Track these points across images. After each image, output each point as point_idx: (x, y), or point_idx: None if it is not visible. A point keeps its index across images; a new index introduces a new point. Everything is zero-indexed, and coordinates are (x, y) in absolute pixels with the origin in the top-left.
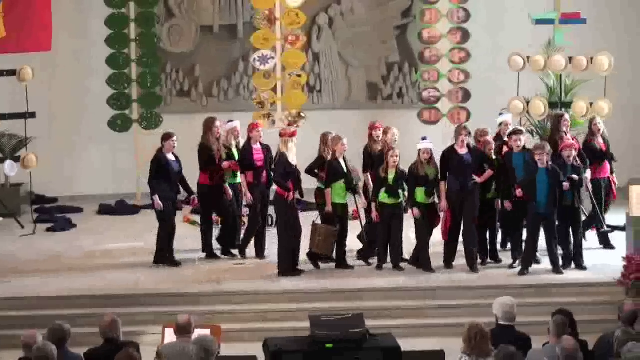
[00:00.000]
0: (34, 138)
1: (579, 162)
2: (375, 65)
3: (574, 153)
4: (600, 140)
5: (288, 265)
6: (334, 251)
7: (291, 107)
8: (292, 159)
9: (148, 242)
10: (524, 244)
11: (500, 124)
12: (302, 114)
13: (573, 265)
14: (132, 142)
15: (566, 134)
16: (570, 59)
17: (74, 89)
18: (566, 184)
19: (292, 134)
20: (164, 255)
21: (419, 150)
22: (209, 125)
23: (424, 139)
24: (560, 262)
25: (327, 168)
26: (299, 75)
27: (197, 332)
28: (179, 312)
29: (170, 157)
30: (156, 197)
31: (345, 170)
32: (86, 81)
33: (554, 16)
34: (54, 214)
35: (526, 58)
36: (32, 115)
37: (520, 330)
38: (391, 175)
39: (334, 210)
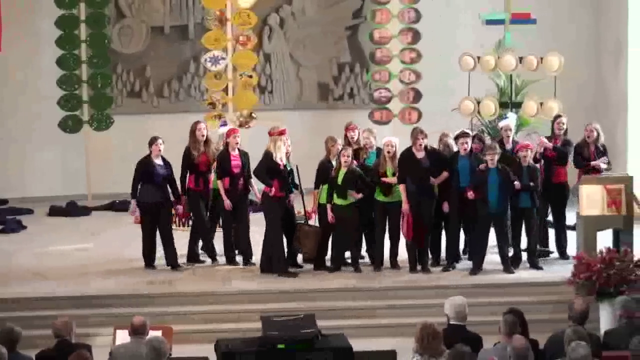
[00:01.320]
0: None
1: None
2: (326, 66)
3: (530, 154)
4: (592, 148)
5: (285, 265)
6: (316, 252)
7: (242, 107)
8: (280, 157)
9: (99, 243)
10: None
11: (501, 129)
12: (253, 115)
13: (528, 265)
14: (83, 143)
15: (559, 136)
16: (521, 59)
17: (24, 90)
18: (517, 184)
19: (281, 133)
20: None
21: (384, 144)
22: (192, 129)
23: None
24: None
25: (318, 168)
26: (250, 76)
27: (149, 333)
28: (131, 313)
29: (158, 161)
30: (133, 202)
31: (289, 170)
32: (37, 82)
33: (504, 17)
34: (4, 216)
35: (477, 58)
36: None
37: (471, 330)
38: (340, 176)
39: (319, 212)
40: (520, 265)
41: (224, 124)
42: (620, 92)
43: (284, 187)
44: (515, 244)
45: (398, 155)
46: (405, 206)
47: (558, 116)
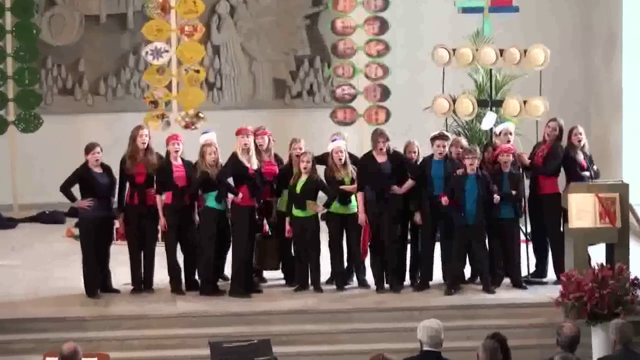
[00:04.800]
0: None
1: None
2: (282, 60)
3: (511, 158)
4: (581, 156)
5: (240, 284)
6: (280, 264)
7: (188, 106)
8: (248, 160)
9: (26, 260)
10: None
11: (499, 133)
12: (200, 115)
13: (510, 284)
14: (8, 147)
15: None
16: (501, 51)
17: None
18: (497, 197)
19: (257, 133)
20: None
21: (331, 151)
22: (132, 135)
23: (334, 140)
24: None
25: (278, 175)
26: (197, 71)
27: None
28: (61, 339)
29: (97, 170)
30: (76, 202)
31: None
32: None
33: (482, 4)
34: None
35: (452, 51)
36: None
37: (447, 358)
38: (300, 184)
39: (280, 220)
40: (502, 284)
41: (206, 132)
42: (614, 89)
43: (254, 194)
44: (496, 261)
45: (350, 159)
46: (361, 217)
47: (552, 120)
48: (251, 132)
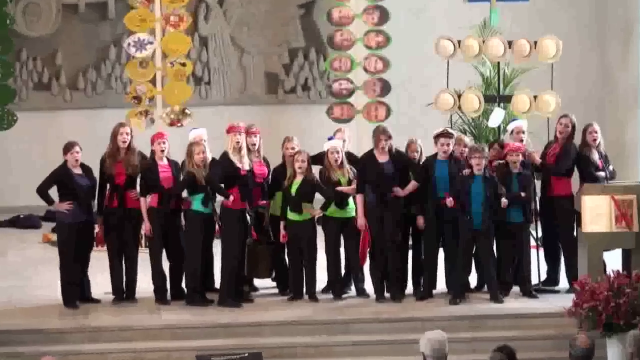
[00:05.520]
0: None
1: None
2: (275, 52)
3: (521, 158)
4: (596, 155)
5: (230, 293)
6: (272, 272)
7: (173, 102)
8: (240, 160)
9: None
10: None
11: (511, 132)
12: (186, 111)
13: (520, 292)
14: None
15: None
16: (510, 43)
17: None
18: (504, 201)
19: (248, 132)
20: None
21: (327, 150)
22: (113, 132)
23: (330, 138)
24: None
25: (271, 176)
26: (183, 64)
27: None
28: (39, 352)
29: (77, 171)
30: (54, 205)
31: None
32: None
33: None
34: None
35: (457, 43)
36: None
37: None
38: (295, 186)
39: (273, 224)
40: (511, 293)
41: (195, 128)
42: (631, 83)
43: (246, 196)
44: (505, 269)
45: (350, 159)
46: (360, 221)
47: (564, 116)
48: (243, 129)
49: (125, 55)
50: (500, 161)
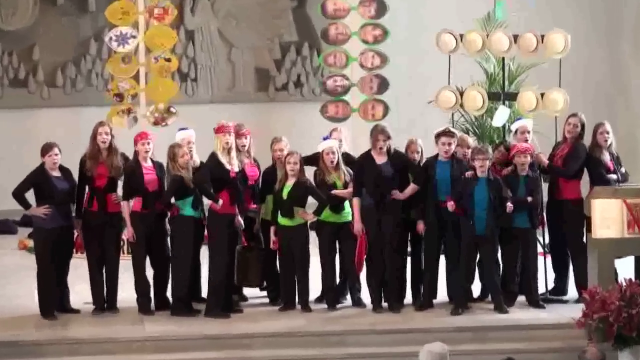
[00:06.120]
0: None
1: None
2: (265, 47)
3: (529, 160)
4: (607, 156)
5: (218, 303)
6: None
7: (158, 100)
8: (229, 161)
9: None
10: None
11: (516, 132)
12: (171, 110)
13: (526, 302)
14: None
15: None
16: (515, 37)
17: None
18: (510, 206)
19: (238, 132)
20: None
21: (322, 151)
22: (93, 132)
23: (325, 138)
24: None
25: (261, 176)
26: (168, 60)
27: None
28: None
29: (55, 173)
30: (31, 209)
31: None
32: None
33: None
34: None
35: (459, 37)
36: None
37: None
38: (286, 189)
39: (264, 229)
40: (516, 303)
41: (184, 129)
42: None
43: (236, 200)
44: (511, 277)
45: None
46: (356, 226)
47: (572, 115)
48: (233, 129)
49: (107, 50)
50: (508, 167)
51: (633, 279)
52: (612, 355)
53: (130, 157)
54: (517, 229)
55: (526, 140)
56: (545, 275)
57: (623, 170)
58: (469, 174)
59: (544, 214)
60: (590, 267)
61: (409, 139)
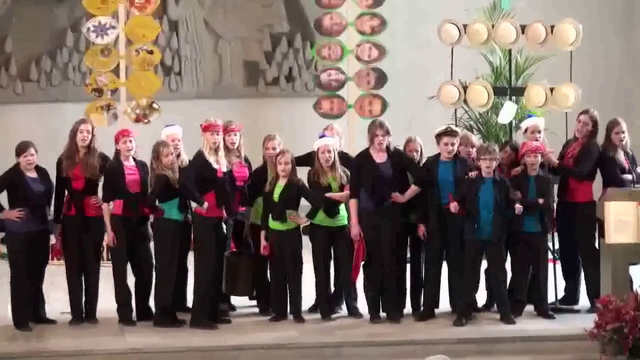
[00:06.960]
0: None
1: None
2: (255, 38)
3: (540, 159)
4: (622, 155)
5: (204, 313)
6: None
7: (140, 95)
8: (217, 161)
9: None
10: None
11: (526, 130)
12: (154, 105)
13: (534, 311)
14: None
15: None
16: (523, 28)
17: None
18: (519, 207)
19: (227, 128)
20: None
21: (317, 150)
22: (72, 130)
23: (321, 136)
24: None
25: (251, 177)
26: (150, 52)
27: None
28: None
29: (30, 174)
30: (4, 213)
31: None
32: None
33: None
34: None
35: (462, 27)
36: None
37: None
38: (278, 190)
39: (254, 234)
40: (524, 313)
41: (170, 125)
42: None
43: (224, 202)
44: (518, 285)
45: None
46: (354, 230)
47: (583, 112)
48: (221, 127)
49: (85, 42)
50: (518, 168)
51: None
52: None
53: (111, 156)
54: (526, 234)
55: (536, 140)
56: (555, 283)
57: (639, 170)
58: (472, 174)
59: (555, 218)
60: (603, 274)
61: (408, 137)
